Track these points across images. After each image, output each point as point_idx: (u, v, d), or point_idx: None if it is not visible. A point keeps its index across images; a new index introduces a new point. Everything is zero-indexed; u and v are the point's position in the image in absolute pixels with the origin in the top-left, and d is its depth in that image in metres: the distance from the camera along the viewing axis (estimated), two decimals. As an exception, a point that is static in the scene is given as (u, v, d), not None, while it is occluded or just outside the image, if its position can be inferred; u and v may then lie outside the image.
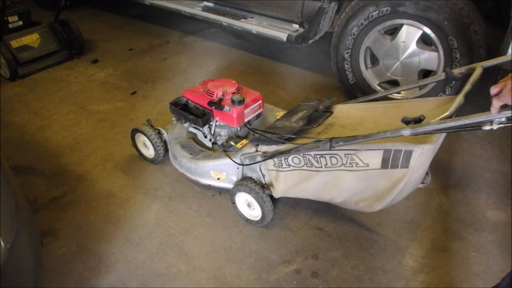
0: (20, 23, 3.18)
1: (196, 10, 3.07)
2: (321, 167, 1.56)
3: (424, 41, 2.30)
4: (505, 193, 1.97)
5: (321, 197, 1.68)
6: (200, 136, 1.99)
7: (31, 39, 3.12)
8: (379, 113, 1.71)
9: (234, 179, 1.85)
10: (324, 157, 1.53)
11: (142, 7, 3.70)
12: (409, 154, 1.35)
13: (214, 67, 3.18)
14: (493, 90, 1.04)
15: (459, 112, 1.36)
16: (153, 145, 2.06)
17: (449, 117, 1.28)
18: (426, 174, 1.76)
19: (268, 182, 1.77)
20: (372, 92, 2.46)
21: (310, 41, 2.60)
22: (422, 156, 1.35)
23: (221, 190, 2.02)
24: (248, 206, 1.80)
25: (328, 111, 1.85)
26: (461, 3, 2.07)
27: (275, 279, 1.62)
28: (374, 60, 2.53)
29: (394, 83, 2.50)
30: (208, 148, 1.96)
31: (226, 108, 1.75)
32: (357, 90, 2.59)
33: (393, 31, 2.38)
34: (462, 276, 1.60)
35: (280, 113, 1.99)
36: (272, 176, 1.72)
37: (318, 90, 2.89)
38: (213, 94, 1.80)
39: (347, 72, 2.58)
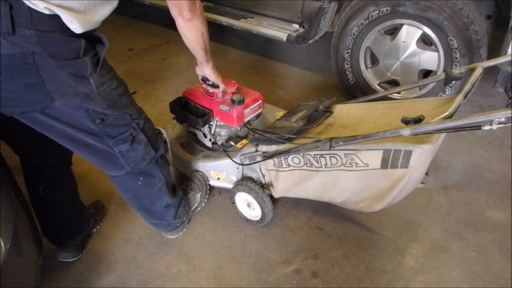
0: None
1: (196, 10, 3.07)
2: (321, 167, 1.56)
3: (424, 41, 2.30)
4: (505, 193, 1.97)
5: (321, 197, 1.68)
6: (200, 136, 1.99)
7: (31, 39, 3.12)
8: (379, 113, 1.71)
9: (234, 179, 1.85)
10: (324, 157, 1.53)
11: (142, 7, 3.70)
12: (408, 154, 1.35)
13: (214, 67, 3.18)
14: None
15: (459, 112, 1.36)
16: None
17: (449, 117, 1.28)
18: (426, 174, 1.77)
19: (268, 182, 1.77)
20: (372, 92, 2.46)
21: (310, 41, 2.60)
22: (421, 156, 1.35)
23: (221, 190, 2.02)
24: (248, 206, 1.80)
25: (328, 111, 1.85)
26: (461, 3, 2.07)
27: (275, 279, 1.62)
28: (374, 60, 2.53)
29: (394, 83, 2.51)
30: (208, 148, 1.96)
31: (226, 108, 1.75)
32: (357, 90, 2.59)
33: (393, 31, 2.38)
34: (462, 276, 1.60)
35: (280, 113, 1.99)
36: (272, 176, 1.72)
37: (318, 90, 2.89)
38: (213, 94, 1.80)
39: (347, 72, 2.58)
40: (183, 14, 1.32)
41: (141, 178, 1.47)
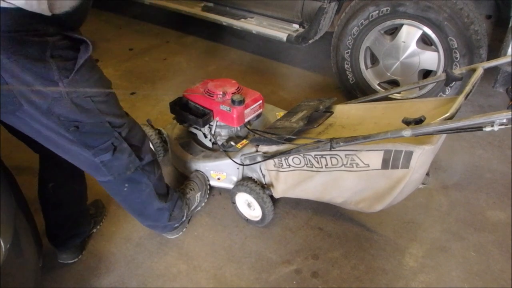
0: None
1: (196, 10, 3.07)
2: (322, 167, 1.56)
3: (424, 41, 2.30)
4: (505, 193, 1.97)
5: (321, 197, 1.68)
6: (200, 136, 1.99)
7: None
8: (379, 113, 1.71)
9: (234, 179, 1.85)
10: (325, 158, 1.53)
11: (142, 7, 3.70)
12: (409, 154, 1.35)
13: (214, 67, 3.18)
14: None
15: (459, 112, 1.36)
16: (153, 145, 2.06)
17: (450, 118, 1.28)
18: (426, 174, 1.77)
19: (268, 182, 1.77)
20: (372, 92, 2.46)
21: (310, 41, 2.60)
22: (422, 156, 1.35)
23: (221, 190, 2.02)
24: (248, 206, 1.80)
25: (328, 111, 1.85)
26: (461, 3, 2.07)
27: (275, 279, 1.62)
28: (374, 60, 2.53)
29: (394, 83, 2.51)
30: (208, 148, 1.96)
31: (227, 108, 1.75)
32: (357, 90, 2.59)
33: (393, 31, 2.38)
34: (462, 276, 1.60)
35: (280, 113, 1.99)
36: (272, 176, 1.72)
37: (318, 90, 2.89)
38: (213, 94, 1.80)
39: (347, 72, 2.58)
40: None
41: (126, 185, 1.43)
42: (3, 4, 0.94)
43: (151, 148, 1.49)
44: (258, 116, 1.91)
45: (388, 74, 2.46)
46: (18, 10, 0.97)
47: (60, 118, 1.15)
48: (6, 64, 1.02)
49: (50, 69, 1.06)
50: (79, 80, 1.13)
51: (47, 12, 1.01)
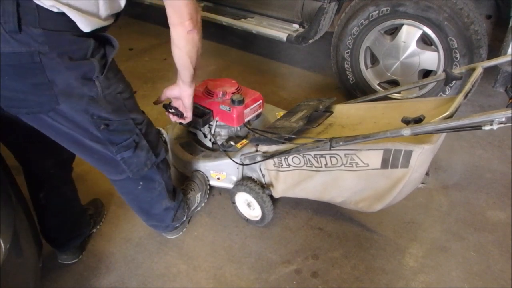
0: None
1: (196, 10, 3.07)
2: (321, 167, 1.56)
3: (424, 41, 2.30)
4: (505, 193, 1.97)
5: (321, 197, 1.68)
6: (200, 136, 1.99)
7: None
8: (379, 113, 1.71)
9: (234, 179, 1.85)
10: (324, 157, 1.53)
11: (142, 7, 3.70)
12: (409, 154, 1.35)
13: (214, 67, 3.18)
14: None
15: (459, 112, 1.36)
16: (153, 145, 2.06)
17: (449, 117, 1.28)
18: (426, 174, 1.77)
19: (268, 182, 1.77)
20: (372, 92, 2.46)
21: (310, 41, 2.60)
22: (422, 156, 1.35)
23: (221, 190, 2.02)
24: (248, 206, 1.80)
25: (328, 111, 1.85)
26: (461, 3, 2.07)
27: (275, 279, 1.62)
28: (374, 60, 2.53)
29: (394, 83, 2.51)
30: (208, 148, 1.96)
31: (226, 108, 1.75)
32: (357, 90, 2.59)
33: (393, 31, 2.38)
34: (462, 276, 1.60)
35: (280, 113, 1.99)
36: (272, 176, 1.72)
37: (318, 90, 2.89)
38: (213, 94, 1.80)
39: (347, 72, 2.58)
40: (184, 23, 1.24)
41: (141, 183, 1.46)
42: (54, 9, 1.00)
43: (163, 144, 1.51)
44: (258, 116, 1.91)
45: (388, 74, 2.46)
46: (66, 14, 1.02)
47: (93, 116, 1.18)
48: (54, 62, 1.05)
49: (93, 67, 1.11)
50: (110, 77, 1.18)
51: (86, 30, 1.08)
